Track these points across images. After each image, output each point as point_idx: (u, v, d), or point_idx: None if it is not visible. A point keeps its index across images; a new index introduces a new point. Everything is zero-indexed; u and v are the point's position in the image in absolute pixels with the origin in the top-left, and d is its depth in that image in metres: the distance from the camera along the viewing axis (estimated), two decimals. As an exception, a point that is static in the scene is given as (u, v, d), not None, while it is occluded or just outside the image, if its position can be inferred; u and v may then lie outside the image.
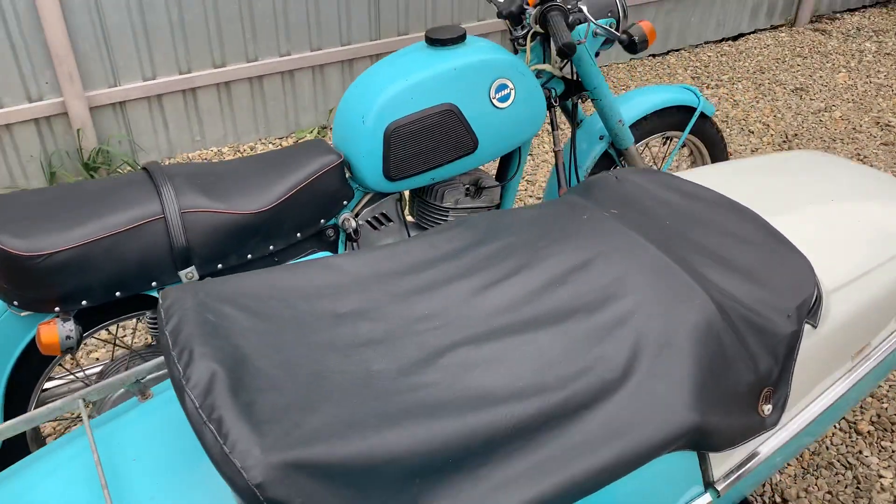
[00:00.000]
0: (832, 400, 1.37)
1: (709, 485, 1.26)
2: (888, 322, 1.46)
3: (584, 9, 2.02)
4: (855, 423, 2.25)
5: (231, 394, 0.98)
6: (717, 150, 2.55)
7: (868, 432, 2.22)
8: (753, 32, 5.27)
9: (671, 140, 2.48)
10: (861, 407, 2.30)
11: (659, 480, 1.19)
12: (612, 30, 2.01)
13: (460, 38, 1.89)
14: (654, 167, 2.44)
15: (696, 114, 2.37)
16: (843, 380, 1.40)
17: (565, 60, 2.06)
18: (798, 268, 1.33)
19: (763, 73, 4.63)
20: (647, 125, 2.35)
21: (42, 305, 1.53)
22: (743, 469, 1.28)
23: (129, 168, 3.43)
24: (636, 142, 2.36)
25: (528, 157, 3.71)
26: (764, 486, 2.07)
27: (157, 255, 1.59)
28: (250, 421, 0.95)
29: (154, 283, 1.62)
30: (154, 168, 1.69)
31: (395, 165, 1.84)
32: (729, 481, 1.27)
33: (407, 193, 2.18)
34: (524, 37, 2.01)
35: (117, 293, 1.59)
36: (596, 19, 2.01)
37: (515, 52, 2.08)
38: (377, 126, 1.80)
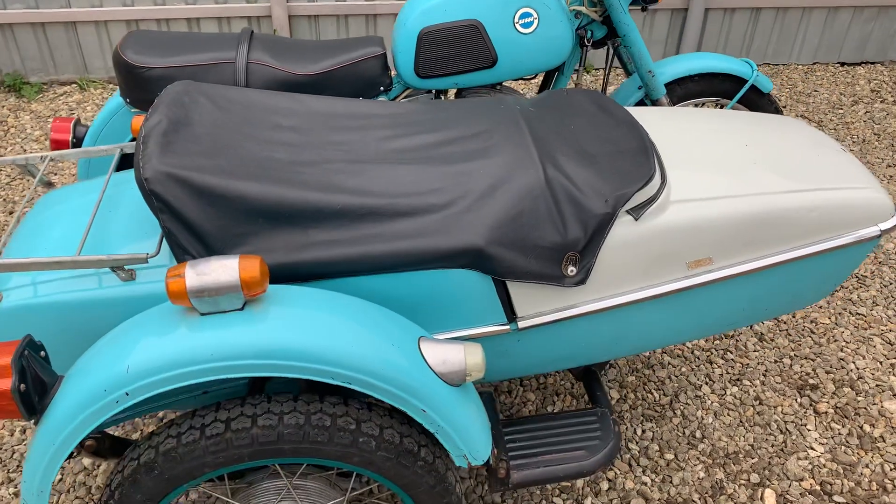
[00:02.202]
0: (653, 294, 1.60)
1: (512, 319, 1.58)
2: (743, 250, 1.63)
3: None
4: (816, 403, 2.30)
5: (162, 134, 1.50)
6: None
7: (825, 413, 2.27)
8: (979, 59, 4.81)
9: (722, 107, 2.61)
10: (834, 393, 2.33)
11: (461, 292, 1.53)
12: None
13: (502, -31, 2.25)
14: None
15: (747, 86, 2.50)
16: (674, 283, 1.61)
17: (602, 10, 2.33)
18: (640, 171, 1.58)
19: (960, 98, 4.29)
20: (694, 86, 2.53)
21: (143, 105, 2.19)
22: (546, 317, 1.58)
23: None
24: (681, 99, 2.54)
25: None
26: (691, 423, 2.23)
27: (225, 89, 2.18)
28: (164, 149, 1.47)
29: None
30: (245, 30, 2.27)
31: (424, 64, 2.26)
32: (530, 322, 1.57)
33: (452, 95, 2.57)
34: (567, -20, 2.32)
35: (193, 109, 2.20)
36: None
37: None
38: (413, 28, 2.24)
